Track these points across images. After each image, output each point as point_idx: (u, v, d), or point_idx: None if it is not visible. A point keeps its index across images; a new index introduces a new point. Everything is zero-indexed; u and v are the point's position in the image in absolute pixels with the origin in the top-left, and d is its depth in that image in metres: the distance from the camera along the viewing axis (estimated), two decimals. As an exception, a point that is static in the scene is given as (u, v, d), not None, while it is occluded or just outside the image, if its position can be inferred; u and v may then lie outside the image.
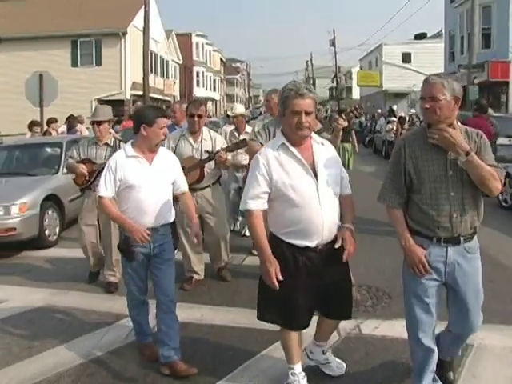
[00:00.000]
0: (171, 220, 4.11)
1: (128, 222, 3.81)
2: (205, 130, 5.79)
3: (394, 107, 25.78)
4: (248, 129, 7.52)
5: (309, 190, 3.20)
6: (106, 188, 3.90)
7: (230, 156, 5.70)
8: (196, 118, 5.55)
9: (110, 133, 6.15)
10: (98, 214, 5.80)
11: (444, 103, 2.96)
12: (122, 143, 5.71)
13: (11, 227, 7.40)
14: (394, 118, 20.73)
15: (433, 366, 3.30)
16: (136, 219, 3.83)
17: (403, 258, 3.30)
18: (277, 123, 4.98)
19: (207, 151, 5.57)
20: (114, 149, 5.63)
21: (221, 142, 5.80)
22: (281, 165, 3.23)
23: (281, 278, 3.16)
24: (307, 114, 3.17)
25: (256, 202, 3.26)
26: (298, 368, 3.51)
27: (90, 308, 5.33)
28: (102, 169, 5.01)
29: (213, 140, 5.73)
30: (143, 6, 23.21)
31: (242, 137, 5.97)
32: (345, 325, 4.24)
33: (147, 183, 3.86)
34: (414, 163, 3.11)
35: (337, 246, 3.26)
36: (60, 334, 4.68)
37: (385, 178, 3.32)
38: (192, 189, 4.72)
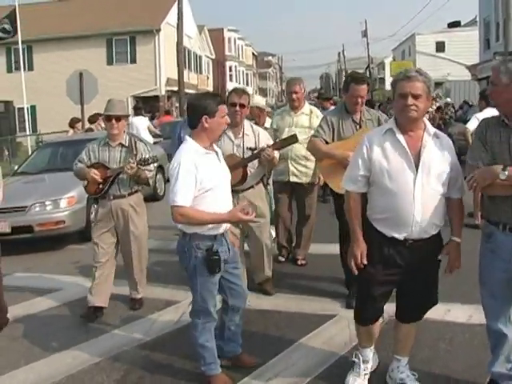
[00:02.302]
0: None
1: (225, 213, 3.43)
2: (246, 123, 5.03)
3: (436, 92, 25.54)
4: (268, 122, 6.80)
5: (405, 180, 3.08)
6: (185, 195, 3.32)
7: (277, 154, 4.95)
8: (238, 108, 4.80)
9: (124, 131, 5.24)
10: (115, 227, 5.12)
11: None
12: (139, 142, 5.17)
13: (60, 220, 7.72)
14: (430, 108, 20.58)
15: (505, 351, 3.30)
16: (215, 224, 3.47)
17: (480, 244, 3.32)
18: (341, 114, 4.85)
19: (250, 148, 4.91)
20: (131, 150, 5.05)
21: (265, 138, 5.04)
22: (383, 149, 3.15)
23: (365, 261, 3.21)
24: (414, 96, 3.03)
25: (353, 184, 3.27)
26: (364, 352, 3.54)
27: (142, 295, 5.53)
28: (118, 174, 4.95)
29: (256, 135, 4.97)
30: (176, 3, 23.51)
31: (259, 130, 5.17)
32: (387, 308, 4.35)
33: (222, 182, 3.52)
34: (489, 147, 3.11)
35: (439, 257, 3.26)
36: (115, 320, 4.95)
37: (470, 151, 3.22)
38: (234, 191, 4.04)
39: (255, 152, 4.85)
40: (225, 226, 3.54)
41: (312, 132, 5.48)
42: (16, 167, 10.99)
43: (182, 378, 3.83)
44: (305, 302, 5.11)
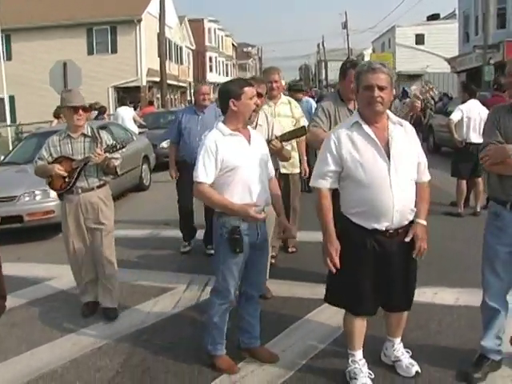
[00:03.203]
0: (270, 201, 3.79)
1: (237, 205, 3.45)
2: (262, 114, 4.84)
3: (413, 87, 25.83)
4: None
5: (379, 171, 3.12)
6: (205, 173, 3.45)
7: (288, 146, 4.83)
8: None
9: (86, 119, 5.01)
10: (84, 222, 4.82)
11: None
12: (101, 131, 5.01)
13: (50, 210, 7.73)
14: (407, 100, 20.81)
15: (497, 325, 3.50)
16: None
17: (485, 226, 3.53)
18: (336, 103, 4.76)
19: None
20: (94, 139, 4.81)
21: (279, 130, 4.83)
22: (352, 143, 3.17)
23: (337, 262, 3.19)
24: (380, 88, 3.08)
25: (323, 180, 3.25)
26: (358, 355, 3.47)
27: (137, 282, 5.71)
28: (85, 164, 4.67)
29: (270, 126, 4.79)
30: (158, -7, 23.41)
31: None
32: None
33: (250, 163, 3.53)
34: (503, 132, 3.29)
35: (407, 239, 3.26)
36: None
37: (485, 132, 3.41)
38: None
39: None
40: (257, 209, 3.53)
41: (294, 121, 5.66)
42: (2, 157, 10.95)
43: (183, 360, 3.95)
44: (297, 288, 5.25)
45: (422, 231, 3.29)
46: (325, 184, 3.26)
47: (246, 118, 3.60)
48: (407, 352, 3.63)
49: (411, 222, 3.30)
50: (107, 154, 4.66)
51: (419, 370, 3.52)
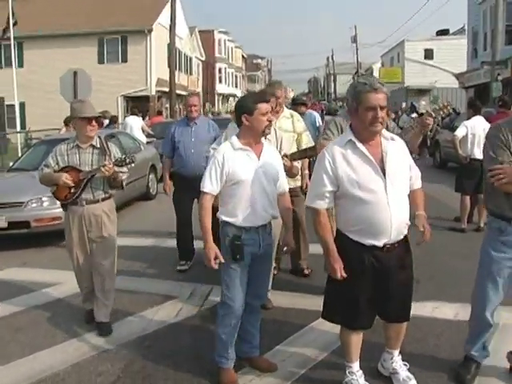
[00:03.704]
0: (278, 215, 3.83)
1: (210, 242, 3.50)
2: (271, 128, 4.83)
3: (422, 103, 25.89)
4: None
5: (376, 188, 3.15)
6: (211, 183, 3.55)
7: (297, 164, 4.78)
8: None
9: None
10: (87, 235, 4.77)
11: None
12: (110, 144, 4.94)
13: (57, 216, 7.79)
14: (415, 115, 20.88)
15: (486, 336, 3.69)
16: (247, 217, 3.57)
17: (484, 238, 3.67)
18: (346, 117, 4.55)
19: None
20: (103, 151, 4.75)
21: (287, 145, 4.86)
22: (347, 162, 3.19)
23: (345, 275, 3.21)
24: (381, 108, 3.10)
25: (321, 201, 3.27)
26: (355, 366, 3.52)
27: (140, 290, 5.77)
28: (92, 176, 4.63)
29: (278, 141, 4.78)
30: (168, 4, 23.66)
31: None
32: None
33: (256, 179, 3.57)
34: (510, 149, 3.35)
35: (421, 228, 3.34)
36: (114, 313, 5.01)
37: (492, 154, 3.38)
38: None
39: None
40: (257, 222, 3.61)
41: (295, 136, 5.57)
42: (11, 164, 11.08)
43: (184, 367, 4.00)
44: (298, 299, 5.30)
45: (424, 221, 3.38)
46: (322, 205, 3.29)
47: (260, 133, 3.63)
48: (405, 365, 3.66)
49: (406, 237, 3.37)
50: (116, 168, 4.62)
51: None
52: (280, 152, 4.55)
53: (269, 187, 3.65)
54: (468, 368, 3.71)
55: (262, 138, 3.76)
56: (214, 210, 3.66)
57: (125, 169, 4.76)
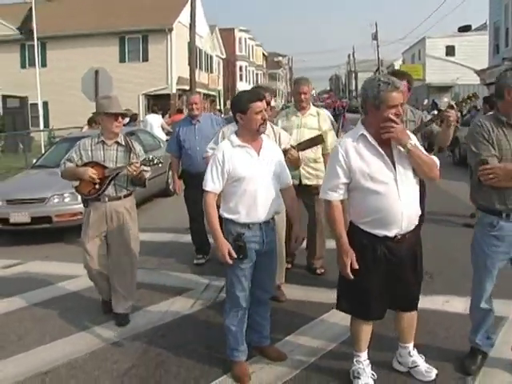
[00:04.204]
0: (281, 210, 3.94)
1: (220, 238, 3.58)
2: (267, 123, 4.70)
3: (444, 99, 25.70)
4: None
5: (387, 180, 3.24)
6: (213, 182, 3.62)
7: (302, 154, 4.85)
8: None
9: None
10: (107, 231, 4.82)
11: None
12: (134, 142, 4.98)
13: (78, 212, 7.98)
14: (435, 112, 20.75)
15: (489, 323, 3.79)
16: (249, 214, 3.64)
17: (473, 234, 3.75)
18: None
19: None
20: (128, 149, 4.78)
21: (286, 139, 4.90)
22: (360, 155, 3.28)
23: (356, 266, 3.28)
24: (401, 105, 3.26)
25: (335, 193, 3.35)
26: (363, 356, 3.62)
27: (157, 283, 5.94)
28: (117, 174, 4.68)
29: (276, 136, 4.83)
30: (188, 3, 23.81)
31: None
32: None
33: (257, 175, 3.64)
34: (495, 144, 3.46)
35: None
36: (134, 303, 5.14)
37: (475, 149, 3.49)
38: None
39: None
40: (260, 218, 3.66)
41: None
42: (34, 161, 11.35)
43: (196, 356, 4.14)
44: (310, 292, 5.39)
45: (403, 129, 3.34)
46: (336, 196, 3.37)
47: (254, 132, 3.68)
48: (421, 357, 3.75)
49: (417, 227, 3.45)
50: (143, 167, 4.68)
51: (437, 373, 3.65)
52: (279, 146, 4.56)
53: (270, 182, 3.71)
54: (474, 358, 3.80)
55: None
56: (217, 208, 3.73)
57: (148, 168, 4.78)
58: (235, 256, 3.56)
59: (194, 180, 6.15)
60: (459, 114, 19.64)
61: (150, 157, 4.76)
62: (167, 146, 7.24)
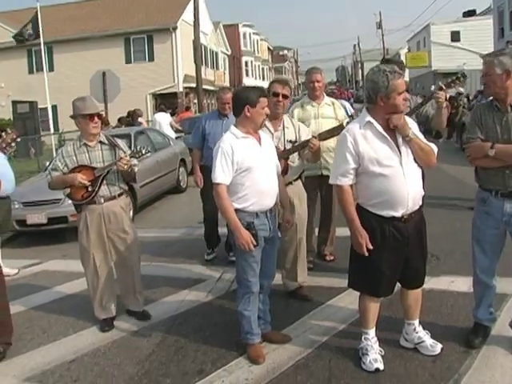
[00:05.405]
0: (285, 199, 4.21)
1: (240, 227, 3.72)
2: (285, 116, 5.01)
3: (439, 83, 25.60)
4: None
5: (393, 164, 3.44)
6: (224, 173, 3.73)
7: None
8: (280, 98, 4.77)
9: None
10: (107, 233, 4.74)
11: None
12: (115, 138, 4.92)
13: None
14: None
15: (489, 298, 3.97)
16: (258, 202, 3.81)
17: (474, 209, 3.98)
18: None
19: (290, 141, 4.82)
20: (112, 146, 4.75)
21: (305, 131, 4.97)
22: (367, 141, 3.47)
23: (371, 246, 3.49)
24: (407, 90, 3.49)
25: (345, 178, 3.55)
26: (371, 333, 3.78)
27: (172, 275, 6.16)
28: (108, 172, 4.63)
29: (296, 128, 4.94)
30: (192, 1, 23.97)
31: None
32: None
33: (262, 164, 3.83)
34: (484, 127, 3.70)
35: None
36: (148, 295, 5.40)
37: (468, 128, 3.82)
38: None
39: (298, 143, 4.78)
40: (267, 206, 3.87)
41: (337, 123, 5.46)
42: (47, 164, 11.59)
43: (213, 340, 4.35)
44: (320, 278, 5.57)
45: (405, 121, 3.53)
46: (347, 181, 3.57)
47: (258, 125, 3.86)
48: (427, 333, 3.94)
49: (421, 207, 3.69)
50: (133, 160, 4.64)
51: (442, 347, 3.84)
52: (299, 139, 4.82)
53: (273, 171, 3.94)
54: (476, 333, 3.99)
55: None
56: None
57: (135, 161, 4.72)
58: (255, 243, 3.74)
59: None
60: (466, 100, 19.71)
61: (138, 147, 4.79)
62: (190, 140, 6.97)
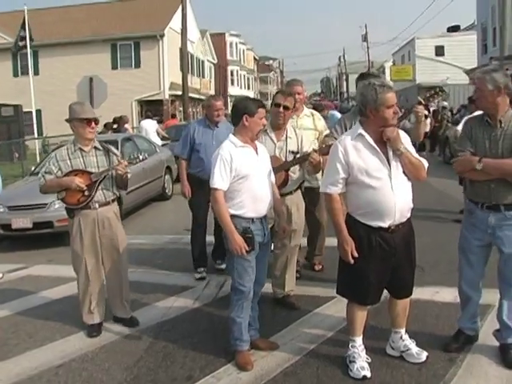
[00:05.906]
0: (280, 206, 4.33)
1: (234, 232, 3.80)
2: (289, 127, 5.05)
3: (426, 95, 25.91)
4: None
5: (382, 176, 3.53)
6: (222, 179, 3.83)
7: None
8: (281, 109, 4.81)
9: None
10: (99, 238, 4.73)
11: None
12: (107, 144, 4.94)
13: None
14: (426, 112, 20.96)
15: (472, 309, 4.06)
16: (253, 208, 3.91)
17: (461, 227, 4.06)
18: (354, 117, 4.86)
19: (292, 151, 4.87)
20: (106, 152, 4.78)
21: (308, 142, 5.04)
22: (357, 151, 3.57)
23: (356, 254, 3.57)
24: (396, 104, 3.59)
25: (335, 187, 3.64)
26: (358, 341, 3.84)
27: (160, 282, 6.18)
28: (105, 177, 4.65)
29: (298, 139, 4.98)
30: (179, 9, 24.02)
31: None
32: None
33: (259, 172, 3.95)
34: (474, 141, 3.81)
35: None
36: (135, 302, 5.37)
37: (458, 141, 3.95)
38: None
39: (299, 156, 4.83)
40: (262, 212, 3.98)
41: (317, 134, 5.73)
42: (32, 168, 11.54)
43: (201, 347, 4.37)
44: (308, 287, 5.60)
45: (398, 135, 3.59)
46: (336, 190, 3.67)
47: (254, 135, 4.01)
48: (413, 341, 4.00)
49: (409, 219, 3.75)
50: (129, 167, 4.69)
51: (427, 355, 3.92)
52: (301, 150, 4.90)
53: (268, 179, 4.07)
54: (456, 339, 4.11)
55: None
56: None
57: (128, 169, 4.73)
58: (248, 249, 3.83)
59: (204, 185, 5.49)
60: (449, 114, 20.01)
61: (135, 154, 4.88)
62: (176, 148, 6.72)
